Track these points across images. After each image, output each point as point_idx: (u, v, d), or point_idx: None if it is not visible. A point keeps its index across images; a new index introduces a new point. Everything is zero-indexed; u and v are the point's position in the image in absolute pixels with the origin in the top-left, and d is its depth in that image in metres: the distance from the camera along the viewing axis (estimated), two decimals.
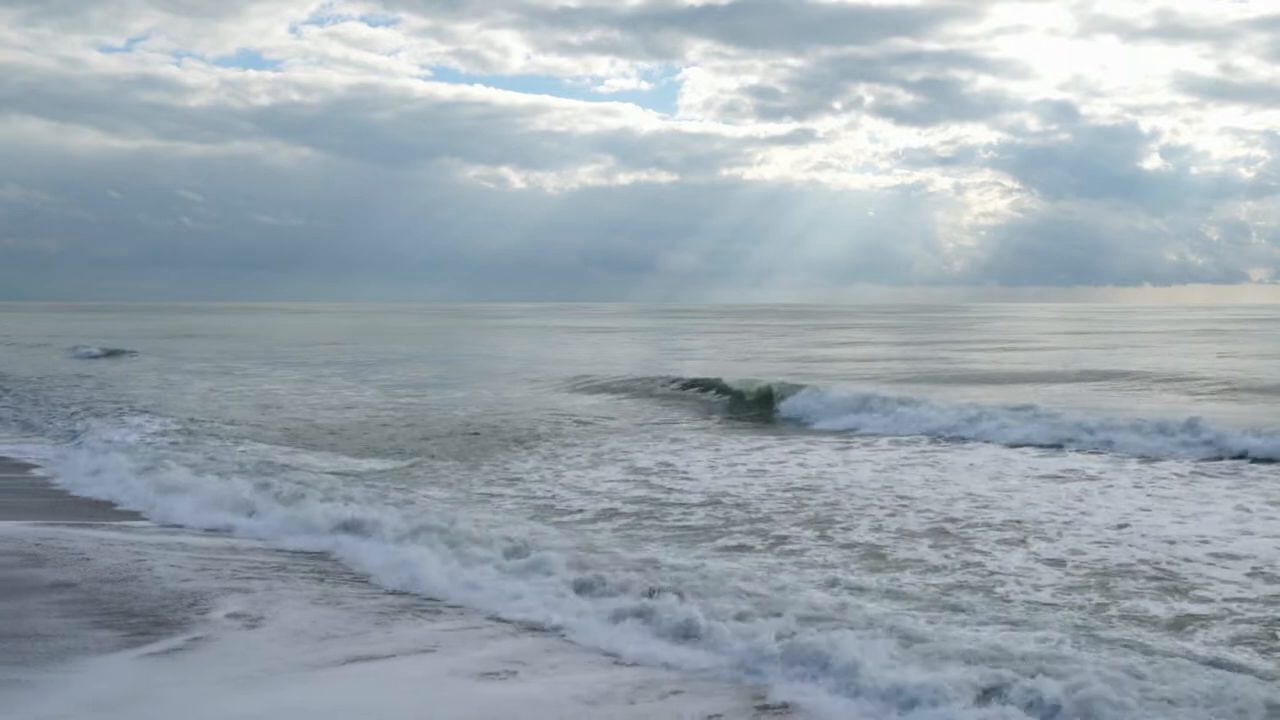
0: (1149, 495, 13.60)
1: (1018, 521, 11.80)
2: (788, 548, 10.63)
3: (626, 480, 14.84)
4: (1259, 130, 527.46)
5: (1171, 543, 10.69)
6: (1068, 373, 32.09)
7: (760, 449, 18.11)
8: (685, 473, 15.48)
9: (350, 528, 10.62)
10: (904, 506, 12.72)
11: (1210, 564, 9.83)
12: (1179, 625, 7.98)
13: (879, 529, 11.48)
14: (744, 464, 16.35)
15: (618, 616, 7.70)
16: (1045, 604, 8.57)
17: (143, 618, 7.61)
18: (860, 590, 8.86)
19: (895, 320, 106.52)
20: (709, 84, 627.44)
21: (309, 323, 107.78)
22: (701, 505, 12.94)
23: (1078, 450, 17.50)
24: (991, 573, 9.55)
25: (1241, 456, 16.33)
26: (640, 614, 7.67)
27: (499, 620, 7.87)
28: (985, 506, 12.74)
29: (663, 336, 68.11)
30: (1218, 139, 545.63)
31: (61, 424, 21.29)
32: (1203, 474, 15.17)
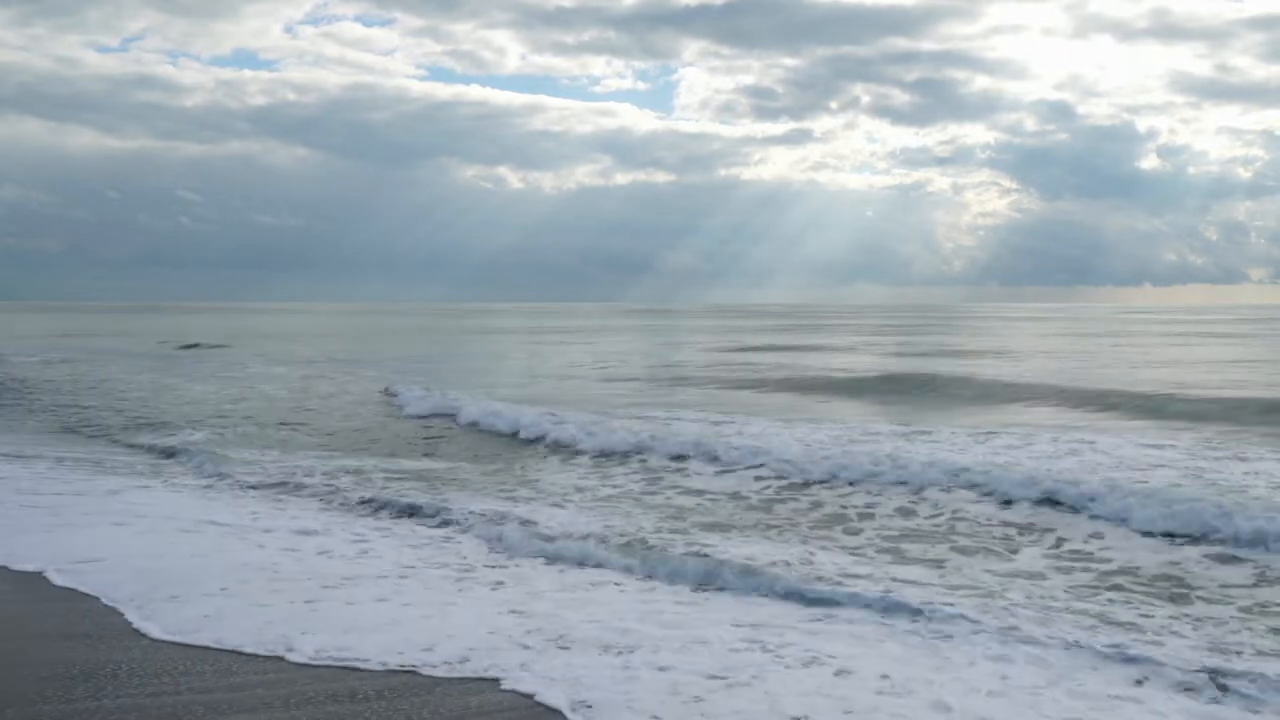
0: None
1: None
2: None
3: None
4: (1256, 130, 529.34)
5: None
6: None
7: None
8: None
9: None
10: None
11: None
12: None
13: None
14: None
15: None
16: None
17: None
18: None
19: (864, 321, 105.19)
20: (705, 84, 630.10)
21: (246, 322, 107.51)
22: None
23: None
24: None
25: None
26: None
27: None
28: None
29: (588, 338, 67.04)
30: (1215, 139, 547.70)
31: None
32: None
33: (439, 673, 6.49)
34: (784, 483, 13.73)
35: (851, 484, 13.29)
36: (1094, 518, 11.15)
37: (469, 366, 39.62)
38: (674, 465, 15.25)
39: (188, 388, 30.14)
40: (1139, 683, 6.47)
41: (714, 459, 15.23)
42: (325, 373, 35.36)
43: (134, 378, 33.78)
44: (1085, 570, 9.51)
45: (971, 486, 12.66)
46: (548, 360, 43.69)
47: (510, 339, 66.69)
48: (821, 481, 13.55)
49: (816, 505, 12.52)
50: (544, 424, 19.01)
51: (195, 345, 54.99)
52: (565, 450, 17.08)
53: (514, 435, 19.05)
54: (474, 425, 20.61)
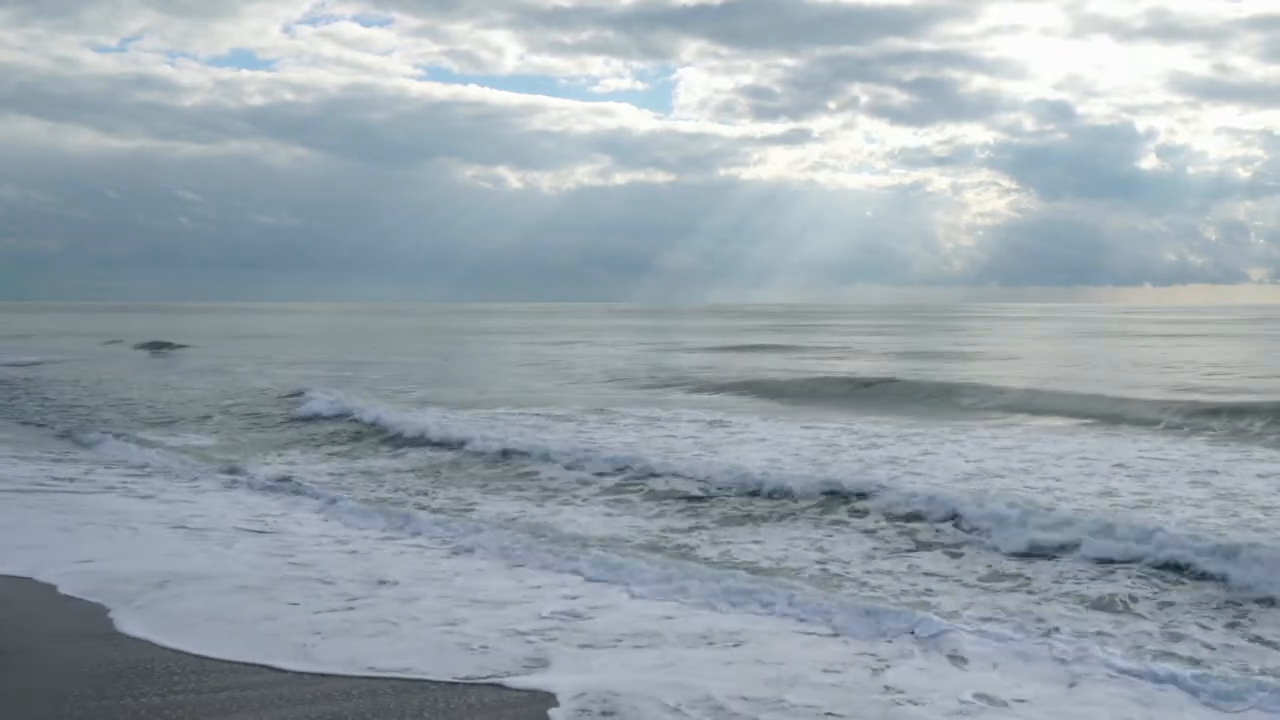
0: None
1: None
2: None
3: None
4: (1255, 130, 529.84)
5: None
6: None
7: None
8: None
9: None
10: None
11: None
12: None
13: None
14: None
15: None
16: None
17: None
18: None
19: (864, 321, 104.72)
20: (704, 84, 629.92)
21: (241, 323, 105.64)
22: None
23: None
24: None
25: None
26: None
27: None
28: None
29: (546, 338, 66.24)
30: (1214, 139, 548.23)
31: None
32: None
33: (446, 676, 6.36)
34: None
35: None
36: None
37: (464, 368, 39.30)
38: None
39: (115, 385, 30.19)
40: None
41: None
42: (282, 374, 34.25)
43: (81, 379, 32.97)
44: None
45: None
46: (546, 361, 43.38)
47: (508, 340, 66.47)
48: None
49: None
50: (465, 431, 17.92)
51: (163, 345, 53.76)
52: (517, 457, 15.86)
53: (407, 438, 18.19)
54: (376, 426, 19.67)
